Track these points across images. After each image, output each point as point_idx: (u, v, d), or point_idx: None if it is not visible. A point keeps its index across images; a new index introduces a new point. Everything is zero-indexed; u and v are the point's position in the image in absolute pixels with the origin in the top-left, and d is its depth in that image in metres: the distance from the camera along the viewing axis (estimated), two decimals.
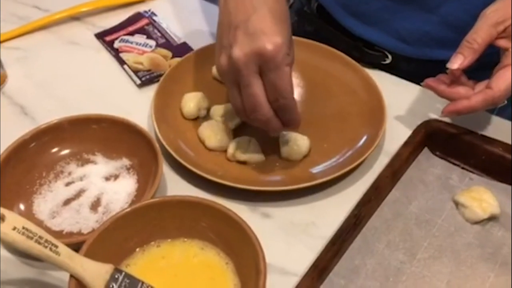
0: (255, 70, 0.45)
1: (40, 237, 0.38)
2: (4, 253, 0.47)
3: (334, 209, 0.51)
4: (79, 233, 0.47)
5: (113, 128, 0.52)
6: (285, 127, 0.50)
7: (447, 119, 0.55)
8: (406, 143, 0.52)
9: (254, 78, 0.46)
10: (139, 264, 0.44)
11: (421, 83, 0.55)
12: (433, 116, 0.57)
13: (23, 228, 0.38)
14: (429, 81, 0.54)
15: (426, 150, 0.54)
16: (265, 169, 0.53)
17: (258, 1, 0.47)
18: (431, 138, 0.53)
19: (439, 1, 0.60)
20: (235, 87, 0.47)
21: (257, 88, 0.46)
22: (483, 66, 0.52)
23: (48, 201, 0.49)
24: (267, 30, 0.45)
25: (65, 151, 0.52)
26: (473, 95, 0.51)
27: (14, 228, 0.38)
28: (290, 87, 0.46)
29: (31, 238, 0.38)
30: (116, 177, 0.51)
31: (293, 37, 0.64)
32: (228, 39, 0.47)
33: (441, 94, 0.53)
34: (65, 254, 0.39)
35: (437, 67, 0.53)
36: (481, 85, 0.52)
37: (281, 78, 0.46)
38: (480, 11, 0.51)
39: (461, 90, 0.52)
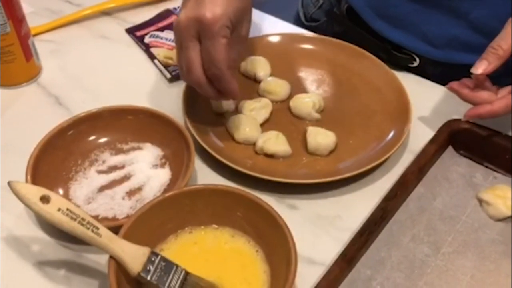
0: (193, 34, 0.49)
1: (83, 219, 0.40)
2: (42, 235, 0.49)
3: (359, 203, 0.52)
4: (114, 219, 0.49)
5: (148, 120, 0.54)
6: (222, 96, 0.52)
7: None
8: (431, 141, 0.54)
9: (191, 42, 0.49)
10: (172, 249, 0.45)
11: (446, 86, 0.56)
12: (458, 117, 0.58)
13: (67, 209, 0.40)
14: (453, 84, 0.55)
15: (450, 148, 0.55)
16: (292, 162, 0.55)
17: None
18: (455, 137, 0.55)
19: (469, 6, 0.61)
20: (179, 48, 0.51)
21: (193, 52, 0.49)
22: (508, 73, 0.53)
23: (83, 187, 0.51)
24: (212, 1, 0.48)
25: (100, 140, 0.54)
26: (496, 100, 0.52)
27: (59, 210, 0.39)
28: (222, 58, 0.48)
29: (75, 220, 0.40)
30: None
31: (321, 36, 0.67)
32: (185, 3, 0.50)
33: (464, 98, 0.54)
34: (106, 236, 0.40)
35: (464, 71, 0.54)
36: (504, 91, 0.53)
37: (215, 47, 0.48)
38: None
39: (484, 94, 0.53)
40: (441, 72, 0.67)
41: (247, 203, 0.45)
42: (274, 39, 0.67)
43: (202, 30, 0.48)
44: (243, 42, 0.53)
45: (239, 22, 0.51)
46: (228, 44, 0.49)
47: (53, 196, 0.40)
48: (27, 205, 0.39)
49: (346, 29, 0.72)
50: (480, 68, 0.51)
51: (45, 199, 0.39)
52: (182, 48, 0.50)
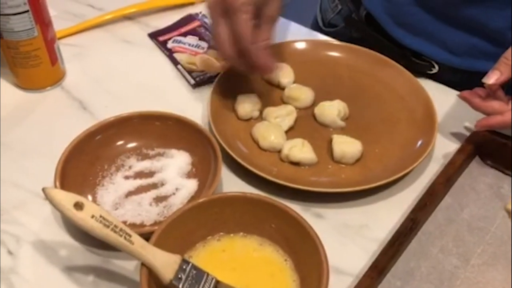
0: (220, 12, 0.53)
1: (116, 226, 0.40)
2: (70, 240, 0.49)
3: (386, 213, 0.52)
4: (142, 225, 0.49)
5: (176, 126, 0.54)
6: (255, 70, 0.56)
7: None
8: (459, 151, 0.53)
9: (219, 19, 0.54)
10: (200, 256, 0.45)
11: (457, 94, 0.56)
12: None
13: (100, 216, 0.40)
14: (465, 93, 0.55)
15: (477, 159, 0.55)
16: (318, 170, 0.55)
17: None
18: (482, 147, 0.54)
19: (486, 19, 0.61)
20: (212, 25, 0.56)
21: (221, 28, 0.54)
22: None
23: (110, 193, 0.51)
24: None
25: (128, 145, 0.54)
26: (507, 111, 0.52)
27: (92, 216, 0.39)
28: (244, 32, 0.52)
29: (108, 227, 0.40)
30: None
31: (345, 43, 0.67)
32: None
33: (474, 107, 0.55)
34: (138, 243, 0.40)
35: (482, 78, 0.54)
36: None
37: (237, 22, 0.52)
38: None
39: (495, 104, 0.53)
40: (460, 79, 0.67)
41: (276, 211, 0.45)
42: (298, 45, 0.67)
43: (226, 8, 0.52)
44: (272, 22, 0.56)
45: (264, 1, 0.54)
46: (251, 20, 0.52)
47: (86, 203, 0.40)
48: (61, 211, 0.39)
49: (364, 35, 0.72)
50: (493, 78, 0.52)
51: (78, 206, 0.39)
52: (213, 25, 0.55)
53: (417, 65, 0.67)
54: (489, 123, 0.53)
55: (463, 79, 0.66)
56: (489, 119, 0.53)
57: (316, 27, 0.82)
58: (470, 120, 0.60)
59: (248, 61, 0.54)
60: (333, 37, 0.74)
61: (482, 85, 0.54)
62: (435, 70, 0.67)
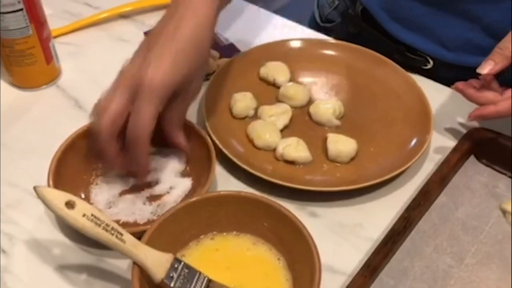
0: (130, 90, 0.46)
1: (107, 225, 0.40)
2: (63, 238, 0.49)
3: (380, 212, 0.52)
4: (135, 224, 0.48)
5: None
6: (131, 168, 0.48)
7: (491, 127, 0.56)
8: (454, 150, 0.53)
9: (124, 96, 0.46)
10: (193, 255, 0.45)
11: (452, 86, 0.56)
12: (474, 123, 0.58)
13: (92, 215, 0.40)
14: (459, 84, 0.55)
15: (472, 157, 0.55)
16: (313, 169, 0.54)
17: (175, 31, 0.48)
18: (478, 146, 0.54)
19: (483, 11, 0.61)
20: (111, 89, 0.47)
21: (121, 103, 0.45)
22: None
23: (104, 191, 0.51)
24: (158, 60, 0.46)
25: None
26: (501, 101, 0.52)
27: (84, 215, 0.39)
28: (143, 125, 0.45)
29: (99, 225, 0.40)
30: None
31: (341, 42, 0.67)
32: (139, 49, 0.49)
33: (469, 98, 0.55)
34: (130, 242, 0.40)
35: (477, 74, 0.54)
36: (510, 91, 0.53)
37: (141, 112, 0.45)
38: None
39: (489, 95, 0.53)
40: (455, 74, 0.67)
41: (269, 210, 0.45)
42: (294, 44, 0.66)
43: (138, 90, 0.45)
44: (192, 98, 0.51)
45: (188, 83, 0.48)
46: (155, 118, 0.46)
47: (78, 202, 0.40)
48: (52, 210, 0.39)
49: (360, 30, 0.72)
50: (487, 68, 0.51)
51: (70, 205, 0.39)
52: (115, 93, 0.46)
53: (412, 60, 0.67)
54: (482, 113, 0.53)
55: (458, 75, 0.66)
56: (482, 109, 0.53)
57: (313, 23, 0.82)
58: (463, 116, 0.59)
59: (130, 153, 0.46)
60: (330, 32, 0.74)
61: (477, 78, 0.54)
62: (430, 65, 0.67)
